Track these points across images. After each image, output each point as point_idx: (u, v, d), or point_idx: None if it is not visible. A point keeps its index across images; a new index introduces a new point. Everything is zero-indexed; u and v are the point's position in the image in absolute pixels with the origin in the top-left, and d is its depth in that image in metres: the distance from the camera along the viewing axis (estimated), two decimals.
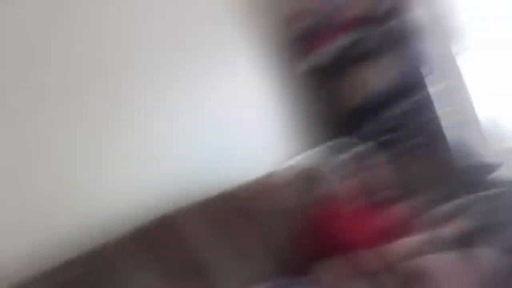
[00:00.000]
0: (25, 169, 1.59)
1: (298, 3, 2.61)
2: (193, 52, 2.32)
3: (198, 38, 2.35)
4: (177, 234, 1.60)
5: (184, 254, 1.55)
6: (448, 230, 1.45)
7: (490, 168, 2.26)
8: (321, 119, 2.68)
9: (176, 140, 2.12)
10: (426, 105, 2.42)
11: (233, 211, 1.77)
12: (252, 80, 2.59)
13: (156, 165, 1.99)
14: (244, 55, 2.60)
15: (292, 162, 2.30)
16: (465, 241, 1.34)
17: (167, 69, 2.18)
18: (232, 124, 2.39)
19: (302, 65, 2.60)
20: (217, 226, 1.70)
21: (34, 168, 1.62)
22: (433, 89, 2.40)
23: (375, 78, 2.51)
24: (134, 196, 1.83)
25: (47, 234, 1.56)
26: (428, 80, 2.40)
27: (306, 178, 1.87)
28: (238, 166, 2.27)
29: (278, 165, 2.37)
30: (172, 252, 1.55)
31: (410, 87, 2.45)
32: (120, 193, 1.81)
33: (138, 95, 2.02)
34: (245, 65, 2.58)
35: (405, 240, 1.52)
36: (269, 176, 2.04)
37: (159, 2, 2.25)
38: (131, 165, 1.91)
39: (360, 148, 1.95)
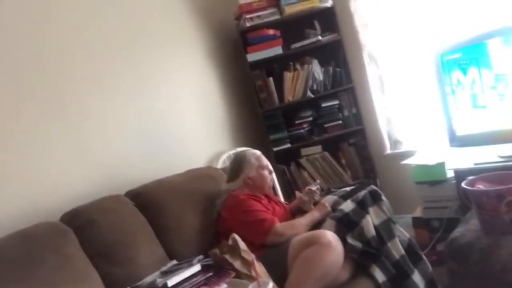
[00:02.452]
0: None
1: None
2: (140, 48, 2.44)
3: (148, 35, 2.49)
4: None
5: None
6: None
7: None
8: (256, 116, 2.97)
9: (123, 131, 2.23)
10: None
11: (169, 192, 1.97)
12: (198, 76, 2.79)
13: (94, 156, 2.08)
14: (192, 51, 2.78)
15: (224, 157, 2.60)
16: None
17: (118, 65, 2.28)
18: (175, 117, 2.56)
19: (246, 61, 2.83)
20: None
21: None
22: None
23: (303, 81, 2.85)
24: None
25: None
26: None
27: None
28: (178, 159, 2.45)
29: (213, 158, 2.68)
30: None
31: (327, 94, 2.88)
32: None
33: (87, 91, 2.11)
34: (194, 58, 2.78)
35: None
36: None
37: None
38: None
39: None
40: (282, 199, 2.68)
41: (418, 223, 2.45)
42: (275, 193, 2.72)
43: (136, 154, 2.26)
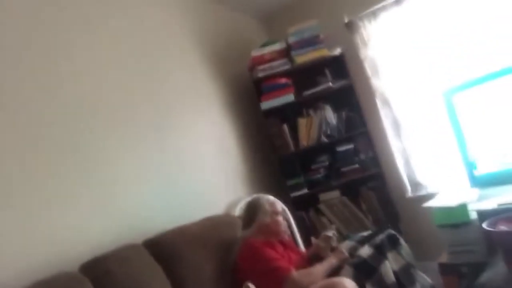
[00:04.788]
0: None
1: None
2: (161, 100, 2.53)
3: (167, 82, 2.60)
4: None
5: None
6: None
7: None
8: (272, 162, 3.00)
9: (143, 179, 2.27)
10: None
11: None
12: (215, 126, 2.86)
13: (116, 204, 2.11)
14: (209, 103, 2.88)
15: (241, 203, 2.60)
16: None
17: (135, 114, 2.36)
18: (194, 166, 2.59)
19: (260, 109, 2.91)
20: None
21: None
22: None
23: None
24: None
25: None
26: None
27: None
28: (196, 206, 2.46)
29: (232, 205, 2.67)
30: None
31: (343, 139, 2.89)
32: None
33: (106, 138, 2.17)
34: (210, 109, 2.86)
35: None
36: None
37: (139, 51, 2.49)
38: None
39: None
40: (301, 246, 2.63)
41: (445, 269, 2.34)
42: (294, 240, 2.69)
43: (155, 202, 2.28)
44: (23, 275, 1.60)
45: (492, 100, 2.09)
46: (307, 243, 2.79)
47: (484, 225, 1.63)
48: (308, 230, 2.94)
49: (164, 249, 1.87)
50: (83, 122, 2.09)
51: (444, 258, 2.40)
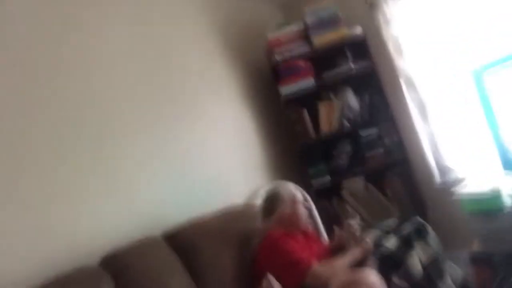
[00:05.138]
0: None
1: None
2: (177, 87, 2.48)
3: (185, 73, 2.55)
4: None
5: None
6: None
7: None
8: (291, 149, 2.89)
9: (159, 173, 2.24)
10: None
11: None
12: (233, 113, 2.79)
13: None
14: (226, 89, 2.80)
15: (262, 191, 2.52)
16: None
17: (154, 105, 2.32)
18: (212, 154, 2.54)
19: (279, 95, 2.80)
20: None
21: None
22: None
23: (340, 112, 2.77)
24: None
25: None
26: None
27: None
28: (216, 196, 2.40)
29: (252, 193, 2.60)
30: None
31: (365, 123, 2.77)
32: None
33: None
34: (227, 96, 2.79)
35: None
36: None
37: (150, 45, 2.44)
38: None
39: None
40: (324, 236, 2.56)
41: (476, 259, 2.21)
42: (317, 231, 2.61)
43: (173, 193, 2.24)
44: (41, 270, 1.58)
45: None
46: (330, 233, 2.73)
47: None
48: (332, 220, 2.80)
49: (183, 241, 1.84)
50: (98, 113, 2.06)
51: (475, 247, 2.29)
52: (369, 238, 1.76)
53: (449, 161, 2.71)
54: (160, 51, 2.46)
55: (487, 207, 2.09)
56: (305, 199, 2.00)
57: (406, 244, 1.61)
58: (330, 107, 2.79)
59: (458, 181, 2.48)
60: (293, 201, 1.94)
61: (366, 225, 1.93)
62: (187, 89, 2.55)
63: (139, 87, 2.28)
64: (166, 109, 2.37)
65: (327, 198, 2.84)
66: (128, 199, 2.05)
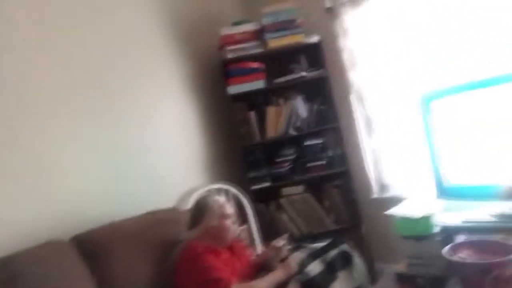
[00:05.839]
0: None
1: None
2: (116, 67, 2.32)
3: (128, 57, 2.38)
4: None
5: None
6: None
7: None
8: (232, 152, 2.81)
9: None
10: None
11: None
12: (175, 105, 2.65)
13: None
14: (171, 75, 2.65)
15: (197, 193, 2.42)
16: None
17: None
18: (149, 146, 2.41)
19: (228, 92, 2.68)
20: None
21: None
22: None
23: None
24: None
25: None
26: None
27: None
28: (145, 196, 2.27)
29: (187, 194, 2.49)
30: None
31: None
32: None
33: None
34: (169, 83, 2.64)
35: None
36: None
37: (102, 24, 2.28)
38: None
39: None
40: (257, 243, 2.50)
41: (402, 278, 2.26)
42: (251, 236, 2.55)
43: (99, 192, 2.07)
44: None
45: (471, 110, 1.95)
46: (264, 237, 2.68)
47: (444, 252, 1.52)
48: (267, 225, 2.79)
49: (93, 246, 1.69)
50: (24, 100, 1.86)
51: (402, 266, 2.33)
52: (294, 261, 1.71)
53: (388, 179, 2.75)
54: (95, 39, 2.25)
55: (417, 232, 2.13)
56: (235, 214, 1.89)
57: (330, 272, 1.57)
58: (278, 112, 2.71)
59: (394, 200, 2.51)
60: (222, 214, 1.84)
61: (295, 245, 1.87)
62: (124, 70, 2.35)
63: (70, 75, 2.08)
64: (98, 100, 2.18)
65: (265, 202, 2.78)
66: (45, 196, 1.85)
